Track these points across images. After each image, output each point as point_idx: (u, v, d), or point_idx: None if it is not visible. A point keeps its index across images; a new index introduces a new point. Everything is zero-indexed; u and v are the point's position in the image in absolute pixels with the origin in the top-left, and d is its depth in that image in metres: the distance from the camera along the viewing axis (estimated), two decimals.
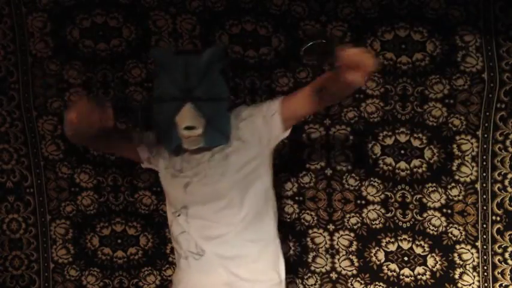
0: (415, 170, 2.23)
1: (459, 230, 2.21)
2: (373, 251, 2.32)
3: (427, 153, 2.21)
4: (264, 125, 1.88)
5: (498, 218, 2.15)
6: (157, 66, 1.88)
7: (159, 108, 1.86)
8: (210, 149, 1.88)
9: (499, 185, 2.14)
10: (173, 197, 1.96)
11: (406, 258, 2.30)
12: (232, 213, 1.88)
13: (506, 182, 2.13)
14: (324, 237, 2.35)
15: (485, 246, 2.18)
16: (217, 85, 1.85)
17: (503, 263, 2.17)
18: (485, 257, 2.19)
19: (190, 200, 1.91)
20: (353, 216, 2.32)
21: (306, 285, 2.40)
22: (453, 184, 2.19)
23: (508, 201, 2.13)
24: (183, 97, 1.81)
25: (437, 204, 2.22)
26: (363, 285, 2.35)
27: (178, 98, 1.81)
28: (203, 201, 1.89)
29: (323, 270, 2.38)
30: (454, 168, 2.18)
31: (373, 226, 2.30)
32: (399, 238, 2.29)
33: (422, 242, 2.26)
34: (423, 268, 2.28)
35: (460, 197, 2.19)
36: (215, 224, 1.89)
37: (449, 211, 2.21)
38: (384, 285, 2.33)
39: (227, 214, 1.88)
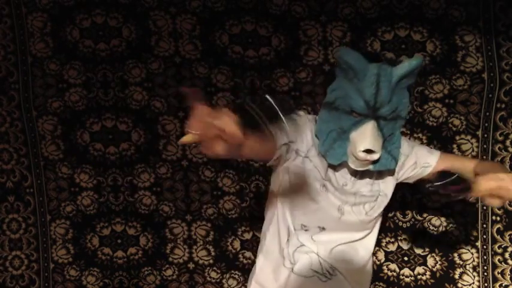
0: None
1: (459, 229, 2.21)
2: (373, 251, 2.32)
3: None
4: (411, 170, 1.77)
5: (498, 218, 2.15)
6: (342, 69, 1.66)
7: (331, 116, 1.66)
8: (373, 173, 1.72)
9: None
10: (310, 210, 1.75)
11: (406, 258, 2.30)
12: (366, 242, 1.81)
13: None
14: None
15: (485, 246, 2.18)
16: (403, 103, 1.65)
17: (503, 263, 2.17)
18: (485, 257, 2.19)
19: (334, 223, 1.75)
20: None
21: None
22: None
23: (508, 202, 2.13)
24: (368, 114, 1.59)
25: (437, 204, 2.22)
26: None
27: (362, 113, 1.60)
28: (346, 229, 1.76)
29: None
30: None
31: None
32: (399, 238, 2.29)
33: (421, 242, 2.26)
34: (423, 268, 2.28)
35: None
36: (350, 249, 1.79)
37: (449, 211, 2.21)
38: (384, 285, 2.33)
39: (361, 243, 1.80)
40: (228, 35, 2.25)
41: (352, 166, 1.66)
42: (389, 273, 2.32)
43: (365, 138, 1.59)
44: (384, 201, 1.77)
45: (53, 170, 2.38)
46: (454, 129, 2.17)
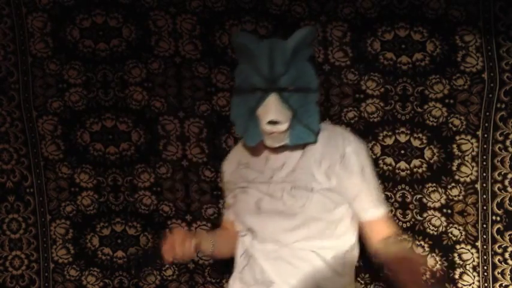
0: (415, 170, 2.23)
1: (459, 230, 2.21)
2: None
3: (427, 153, 2.21)
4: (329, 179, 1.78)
5: (498, 218, 2.15)
6: (239, 53, 1.73)
7: (239, 99, 1.71)
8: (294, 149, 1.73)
9: (499, 185, 2.14)
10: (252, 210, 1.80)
11: None
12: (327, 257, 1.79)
13: (506, 182, 2.13)
14: None
15: (485, 246, 2.18)
16: (306, 74, 1.68)
17: (503, 263, 2.17)
18: (485, 257, 2.19)
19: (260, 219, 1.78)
20: None
21: None
22: (453, 184, 2.19)
23: (508, 201, 2.13)
24: (267, 87, 1.63)
25: (437, 204, 2.22)
26: (363, 285, 2.35)
27: (261, 87, 1.64)
28: (279, 230, 1.75)
29: None
30: (454, 168, 2.18)
31: None
32: (399, 238, 2.29)
33: (422, 242, 2.26)
34: (423, 268, 2.28)
35: (460, 197, 2.19)
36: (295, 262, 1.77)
37: (449, 211, 2.21)
38: (384, 285, 2.33)
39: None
40: (228, 35, 2.25)
41: (268, 143, 1.69)
42: (389, 273, 2.32)
43: (268, 111, 1.62)
44: (321, 193, 1.74)
45: (53, 170, 2.38)
46: (454, 129, 2.17)
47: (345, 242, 1.83)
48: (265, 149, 1.80)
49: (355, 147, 1.80)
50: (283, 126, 1.64)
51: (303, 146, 1.77)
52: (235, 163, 1.90)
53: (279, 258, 1.77)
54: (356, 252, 1.90)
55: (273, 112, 1.62)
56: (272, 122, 1.63)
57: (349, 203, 1.81)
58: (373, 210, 1.85)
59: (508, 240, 2.15)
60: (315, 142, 1.73)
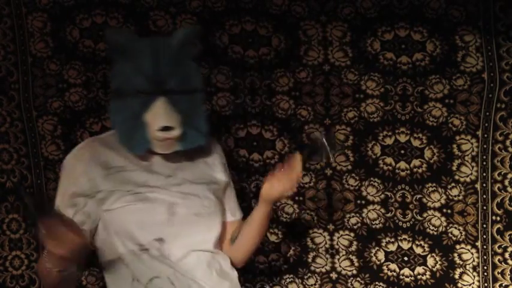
0: (415, 170, 2.23)
1: (459, 230, 2.21)
2: (373, 251, 2.32)
3: (427, 153, 2.21)
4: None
5: (498, 218, 2.15)
6: (116, 52, 1.59)
7: (119, 103, 1.57)
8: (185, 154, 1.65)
9: (499, 185, 2.14)
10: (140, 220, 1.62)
11: (406, 258, 2.30)
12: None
13: (506, 182, 2.13)
14: (324, 237, 2.35)
15: (485, 246, 2.18)
16: (192, 74, 1.59)
17: (503, 263, 2.17)
18: (485, 257, 2.19)
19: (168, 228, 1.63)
20: (353, 216, 2.32)
21: (306, 285, 2.40)
22: (453, 184, 2.19)
23: (508, 201, 2.13)
24: (154, 90, 1.51)
25: (437, 204, 2.22)
26: (362, 285, 2.35)
27: (146, 90, 1.51)
28: (187, 234, 1.65)
29: (323, 270, 2.38)
30: (454, 168, 2.18)
31: (373, 226, 2.30)
32: (399, 238, 2.29)
33: (422, 242, 2.26)
34: (423, 268, 2.28)
35: (460, 197, 2.19)
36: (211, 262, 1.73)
37: (449, 211, 2.21)
38: (384, 285, 2.33)
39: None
40: (228, 35, 2.25)
41: (158, 150, 1.57)
42: (389, 273, 2.32)
43: (159, 116, 1.50)
44: (212, 189, 1.72)
45: (53, 170, 2.38)
46: (454, 129, 2.17)
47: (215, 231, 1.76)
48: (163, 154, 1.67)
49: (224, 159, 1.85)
50: (177, 132, 1.53)
51: (194, 151, 1.70)
52: (98, 166, 1.66)
53: (196, 267, 1.66)
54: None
55: (164, 117, 1.50)
56: (165, 128, 1.51)
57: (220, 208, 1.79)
58: (238, 213, 1.91)
59: (508, 240, 2.15)
60: (205, 144, 1.67)
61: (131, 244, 1.63)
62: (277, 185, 1.69)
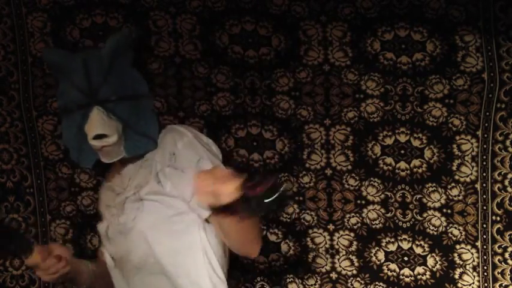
0: (415, 170, 2.23)
1: (459, 230, 2.21)
2: (373, 251, 2.32)
3: (427, 153, 2.21)
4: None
5: (498, 218, 2.15)
6: (55, 71, 1.63)
7: (67, 120, 1.59)
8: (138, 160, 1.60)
9: (499, 185, 2.14)
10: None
11: (406, 258, 2.29)
12: None
13: (506, 182, 2.13)
14: (324, 237, 2.35)
15: (485, 246, 2.18)
16: (130, 80, 1.58)
17: (503, 263, 2.17)
18: (485, 257, 2.19)
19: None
20: (353, 216, 2.32)
21: (306, 285, 2.40)
22: (453, 184, 2.19)
23: (508, 201, 2.13)
24: (88, 101, 1.53)
25: (437, 204, 2.22)
26: (362, 285, 2.35)
27: (83, 103, 1.53)
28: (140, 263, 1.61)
29: (323, 270, 2.38)
30: (454, 168, 2.18)
31: (373, 226, 2.30)
32: (399, 238, 2.29)
33: (422, 242, 2.26)
34: (423, 268, 2.28)
35: (460, 197, 2.19)
36: None
37: (449, 211, 2.21)
38: (384, 285, 2.33)
39: None
40: (228, 35, 2.25)
41: (103, 160, 1.57)
42: (389, 273, 2.32)
43: (91, 125, 1.51)
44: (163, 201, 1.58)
45: (53, 170, 2.38)
46: (454, 129, 2.17)
47: (195, 253, 1.60)
48: (119, 165, 1.67)
49: (187, 141, 1.61)
50: (112, 139, 1.53)
51: (143, 156, 1.64)
52: (107, 189, 1.75)
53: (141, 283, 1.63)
54: (223, 255, 1.66)
55: (95, 126, 1.51)
56: (97, 137, 1.52)
57: (189, 205, 1.59)
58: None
59: (508, 240, 2.15)
60: (154, 148, 1.60)
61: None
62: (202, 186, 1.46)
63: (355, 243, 2.33)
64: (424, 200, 2.23)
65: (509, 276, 2.17)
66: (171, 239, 1.58)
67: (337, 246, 2.35)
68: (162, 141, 1.64)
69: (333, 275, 2.37)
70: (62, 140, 1.66)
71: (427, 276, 2.28)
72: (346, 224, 2.33)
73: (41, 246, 1.61)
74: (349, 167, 2.29)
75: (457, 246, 2.22)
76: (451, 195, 2.20)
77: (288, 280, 2.40)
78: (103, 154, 1.57)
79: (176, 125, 1.76)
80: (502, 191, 2.14)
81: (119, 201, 1.63)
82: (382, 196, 2.27)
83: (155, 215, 1.58)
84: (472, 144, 2.16)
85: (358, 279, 2.35)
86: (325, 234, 2.35)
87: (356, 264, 2.35)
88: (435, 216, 2.23)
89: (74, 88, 1.54)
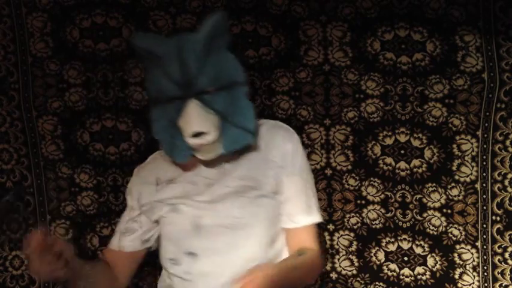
0: (415, 170, 2.23)
1: (459, 230, 2.21)
2: (373, 251, 2.32)
3: (427, 153, 2.21)
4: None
5: (498, 218, 2.15)
6: (143, 59, 1.50)
7: (156, 112, 1.47)
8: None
9: (499, 185, 2.14)
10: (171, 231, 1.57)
11: (406, 258, 2.30)
12: None
13: (506, 182, 2.13)
14: (324, 237, 2.35)
15: (485, 246, 2.18)
16: (227, 67, 1.45)
17: (503, 263, 2.17)
18: (485, 257, 2.19)
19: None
20: (353, 216, 2.32)
21: (306, 285, 2.40)
22: (453, 184, 2.19)
23: (508, 201, 2.13)
24: (184, 94, 1.39)
25: (437, 204, 2.23)
26: (362, 285, 2.35)
27: (177, 95, 1.39)
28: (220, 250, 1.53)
29: (323, 270, 2.38)
30: (454, 168, 2.18)
31: (373, 226, 2.30)
32: (399, 238, 2.29)
33: (422, 242, 2.26)
34: (423, 268, 2.28)
35: (460, 197, 2.19)
36: None
37: (449, 211, 2.21)
38: (384, 285, 2.33)
39: None
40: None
41: (200, 157, 1.46)
42: (389, 273, 2.32)
43: (188, 121, 1.37)
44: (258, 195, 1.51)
45: (53, 170, 2.38)
46: (454, 129, 2.17)
47: (280, 257, 1.59)
48: (194, 158, 1.55)
49: (296, 145, 1.60)
50: (212, 136, 1.40)
51: (240, 149, 1.54)
52: (152, 183, 1.66)
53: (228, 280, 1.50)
54: None
55: (194, 123, 1.38)
56: (197, 134, 1.39)
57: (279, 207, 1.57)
58: (302, 217, 1.64)
59: (508, 240, 2.15)
60: (253, 142, 1.51)
61: (166, 257, 1.64)
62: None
63: (355, 243, 2.34)
64: (424, 200, 2.23)
65: (509, 276, 2.17)
66: (271, 239, 1.54)
67: (337, 246, 2.35)
68: (269, 137, 1.55)
69: (333, 275, 2.38)
70: (152, 131, 1.51)
71: (427, 276, 2.28)
72: (346, 224, 2.33)
73: (44, 231, 1.39)
74: (349, 167, 2.29)
75: (457, 246, 2.22)
76: (451, 195, 2.20)
77: None
78: (201, 151, 1.44)
79: (276, 121, 1.66)
80: (502, 191, 2.14)
81: (219, 193, 1.51)
82: (382, 196, 2.28)
83: (270, 214, 1.52)
84: (472, 144, 2.16)
85: (358, 279, 2.35)
86: (325, 234, 2.35)
87: (356, 264, 2.35)
88: (435, 216, 2.23)
89: (166, 78, 1.39)
